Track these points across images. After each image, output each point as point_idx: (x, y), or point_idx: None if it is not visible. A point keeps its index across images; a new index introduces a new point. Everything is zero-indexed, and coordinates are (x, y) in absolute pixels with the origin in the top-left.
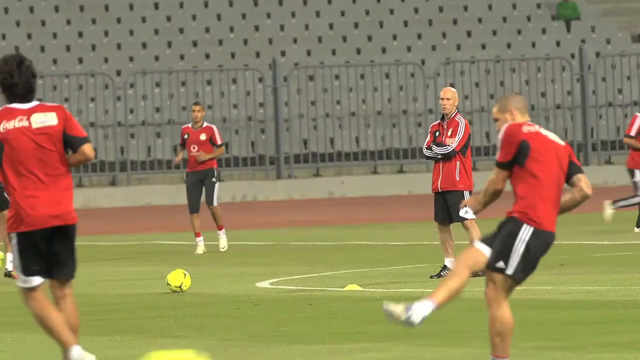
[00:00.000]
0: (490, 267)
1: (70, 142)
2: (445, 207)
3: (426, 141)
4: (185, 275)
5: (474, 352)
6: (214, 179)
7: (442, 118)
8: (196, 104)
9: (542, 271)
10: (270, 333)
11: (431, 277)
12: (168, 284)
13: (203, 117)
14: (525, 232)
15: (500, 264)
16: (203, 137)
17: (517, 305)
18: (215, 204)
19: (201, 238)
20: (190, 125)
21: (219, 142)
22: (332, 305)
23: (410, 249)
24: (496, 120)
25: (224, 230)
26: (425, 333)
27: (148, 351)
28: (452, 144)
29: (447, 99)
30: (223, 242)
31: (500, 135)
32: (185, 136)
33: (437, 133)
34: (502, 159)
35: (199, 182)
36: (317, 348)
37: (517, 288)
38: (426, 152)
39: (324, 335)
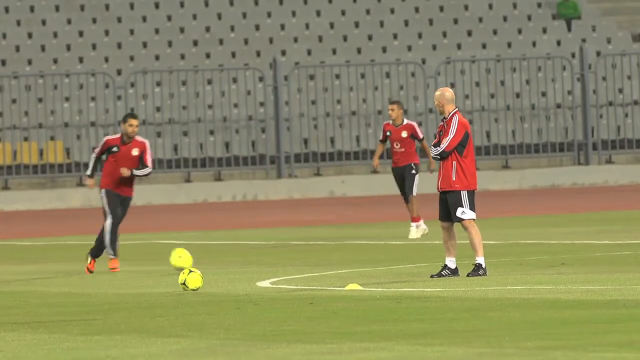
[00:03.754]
0: None
1: None
2: (447, 207)
3: (433, 142)
4: (190, 272)
5: (475, 352)
6: (413, 171)
7: (444, 118)
8: (392, 102)
9: (543, 271)
10: (271, 332)
11: (432, 276)
12: (184, 284)
13: (402, 115)
14: None
15: None
16: (404, 134)
17: (518, 304)
18: (413, 193)
19: (417, 223)
20: (390, 122)
21: (420, 136)
22: (332, 304)
23: (411, 248)
24: None
25: (417, 223)
26: (426, 332)
27: (148, 351)
28: (443, 144)
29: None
30: (412, 233)
31: None
32: (388, 133)
33: (441, 133)
34: None
35: (401, 176)
36: (317, 347)
37: (517, 287)
38: (432, 152)
39: (324, 335)
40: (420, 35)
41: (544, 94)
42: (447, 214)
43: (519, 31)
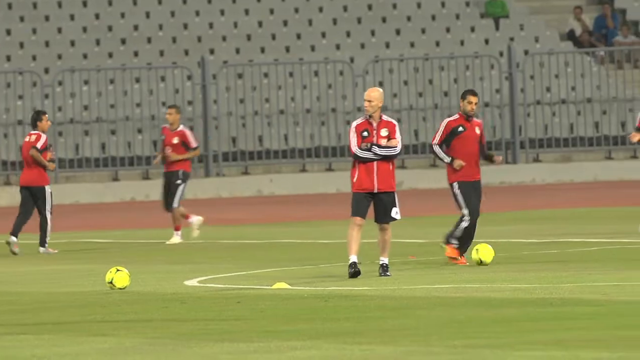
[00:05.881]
0: None
1: None
2: (370, 206)
3: (355, 141)
4: (117, 271)
5: (403, 350)
6: (178, 181)
7: (369, 117)
8: (170, 107)
9: (470, 269)
10: (199, 331)
11: (381, 275)
12: (111, 282)
13: (179, 120)
14: None
15: None
16: (175, 140)
17: (445, 303)
18: (174, 205)
19: (178, 232)
20: (168, 126)
21: (192, 145)
22: (260, 303)
23: (339, 247)
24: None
25: (178, 231)
26: (352, 331)
27: (75, 350)
28: (398, 145)
29: (369, 101)
30: (174, 239)
31: None
32: (162, 137)
33: (366, 133)
34: None
35: (168, 182)
36: (244, 346)
37: (445, 286)
38: (362, 153)
39: (251, 333)
40: (348, 34)
41: None
42: (366, 212)
43: (447, 30)
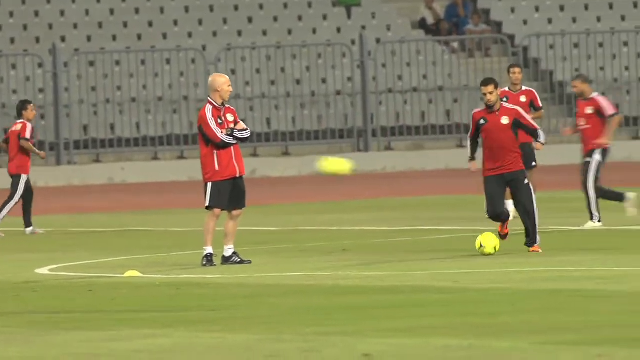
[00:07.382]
0: None
1: None
2: (237, 193)
3: (217, 129)
4: None
5: (255, 338)
6: None
7: (221, 104)
8: None
9: (323, 257)
10: (50, 319)
11: (247, 262)
12: None
13: None
14: None
15: None
16: None
17: (297, 290)
18: None
19: None
20: None
21: None
22: (111, 291)
23: (191, 235)
24: None
25: None
26: (205, 319)
27: None
28: (247, 128)
29: (230, 85)
30: None
31: None
32: None
33: (220, 120)
34: None
35: None
36: (96, 334)
37: (296, 274)
38: (228, 139)
39: (103, 322)
40: (200, 22)
41: (324, 81)
42: (236, 200)
43: (299, 18)
